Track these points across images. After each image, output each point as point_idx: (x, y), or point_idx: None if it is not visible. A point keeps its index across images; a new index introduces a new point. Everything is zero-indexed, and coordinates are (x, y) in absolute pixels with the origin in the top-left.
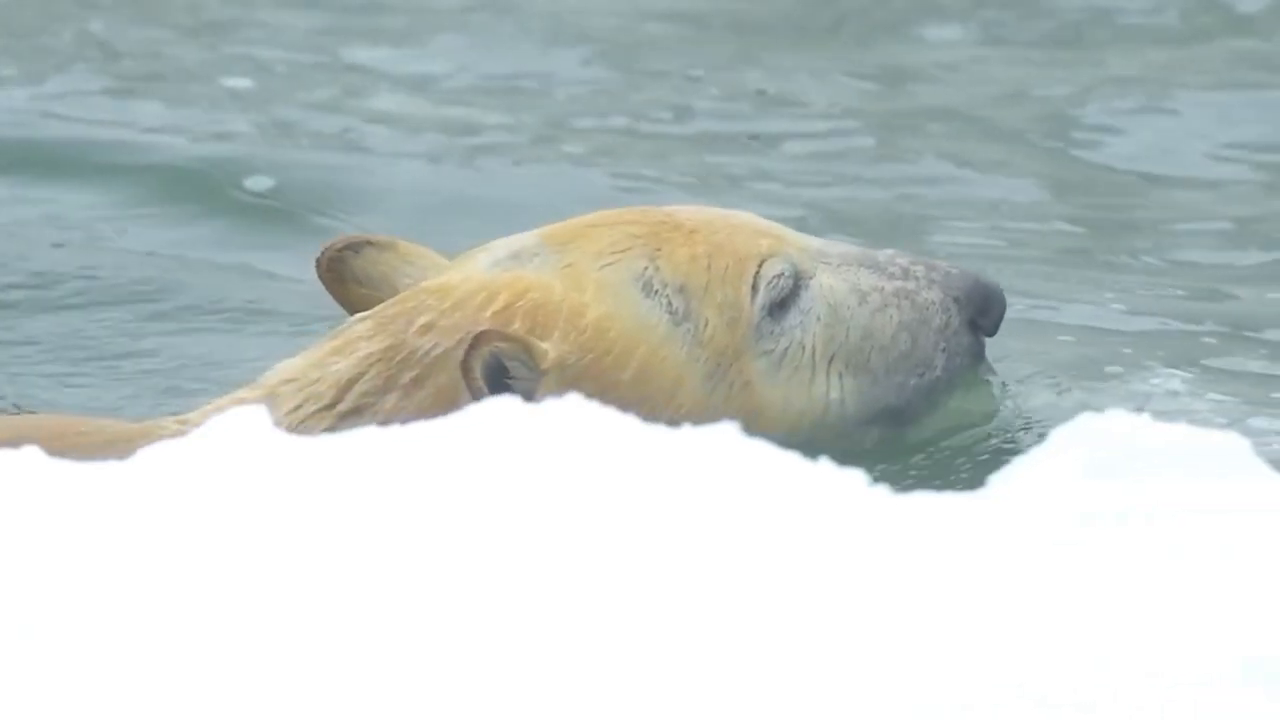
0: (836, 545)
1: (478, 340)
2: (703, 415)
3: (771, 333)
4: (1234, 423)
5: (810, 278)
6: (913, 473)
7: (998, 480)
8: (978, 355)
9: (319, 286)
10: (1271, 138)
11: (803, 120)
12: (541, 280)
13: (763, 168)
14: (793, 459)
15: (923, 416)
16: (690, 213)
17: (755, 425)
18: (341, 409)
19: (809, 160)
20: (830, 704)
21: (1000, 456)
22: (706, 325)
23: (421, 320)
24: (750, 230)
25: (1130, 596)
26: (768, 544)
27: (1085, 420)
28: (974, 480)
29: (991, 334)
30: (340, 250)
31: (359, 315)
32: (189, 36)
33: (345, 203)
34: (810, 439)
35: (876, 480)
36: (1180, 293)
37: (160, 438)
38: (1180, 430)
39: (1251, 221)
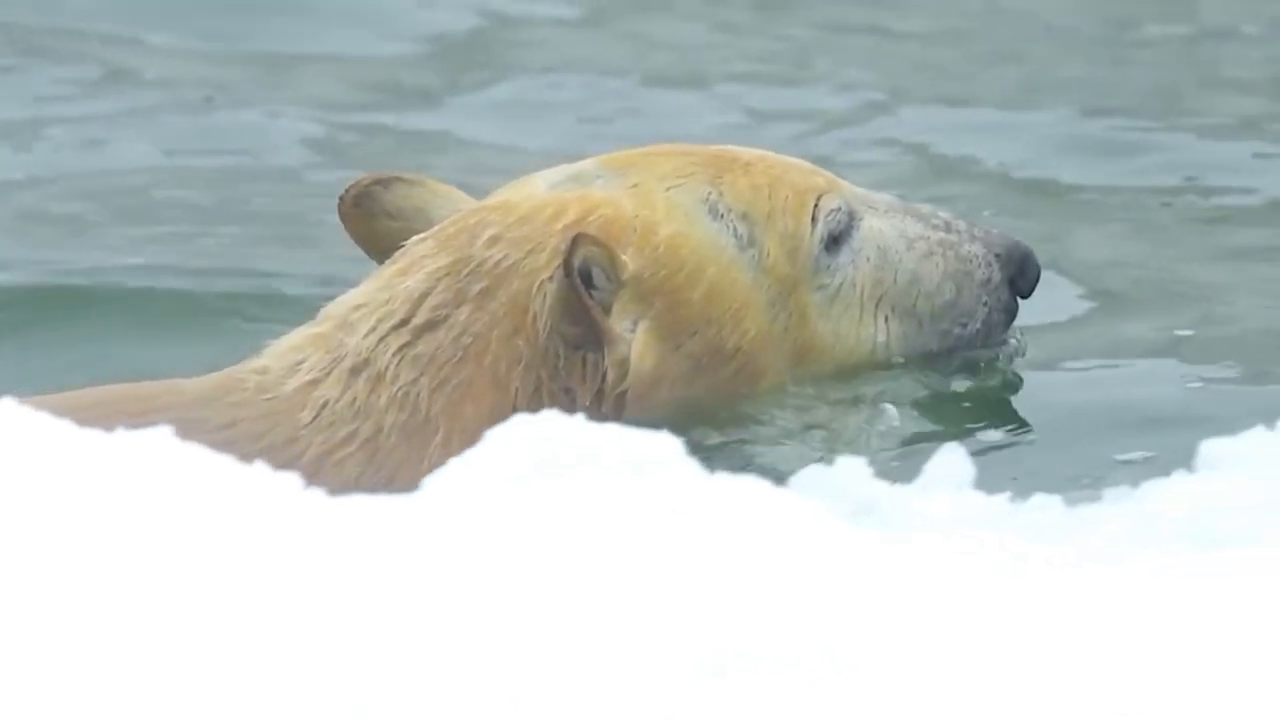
0: (251, 547)
1: (578, 240)
2: (765, 342)
3: (828, 267)
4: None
5: (860, 219)
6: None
7: (431, 481)
8: (1013, 314)
9: None
10: None
11: None
12: (610, 197)
13: None
14: (229, 464)
15: (958, 370)
16: (743, 150)
17: (806, 360)
18: (416, 323)
19: None
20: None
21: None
22: (769, 253)
23: (487, 234)
24: (803, 168)
25: (568, 593)
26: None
27: (519, 422)
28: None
29: (1027, 295)
30: (369, 185)
31: (417, 237)
32: None
33: None
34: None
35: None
36: None
37: (243, 390)
38: (612, 431)
39: None
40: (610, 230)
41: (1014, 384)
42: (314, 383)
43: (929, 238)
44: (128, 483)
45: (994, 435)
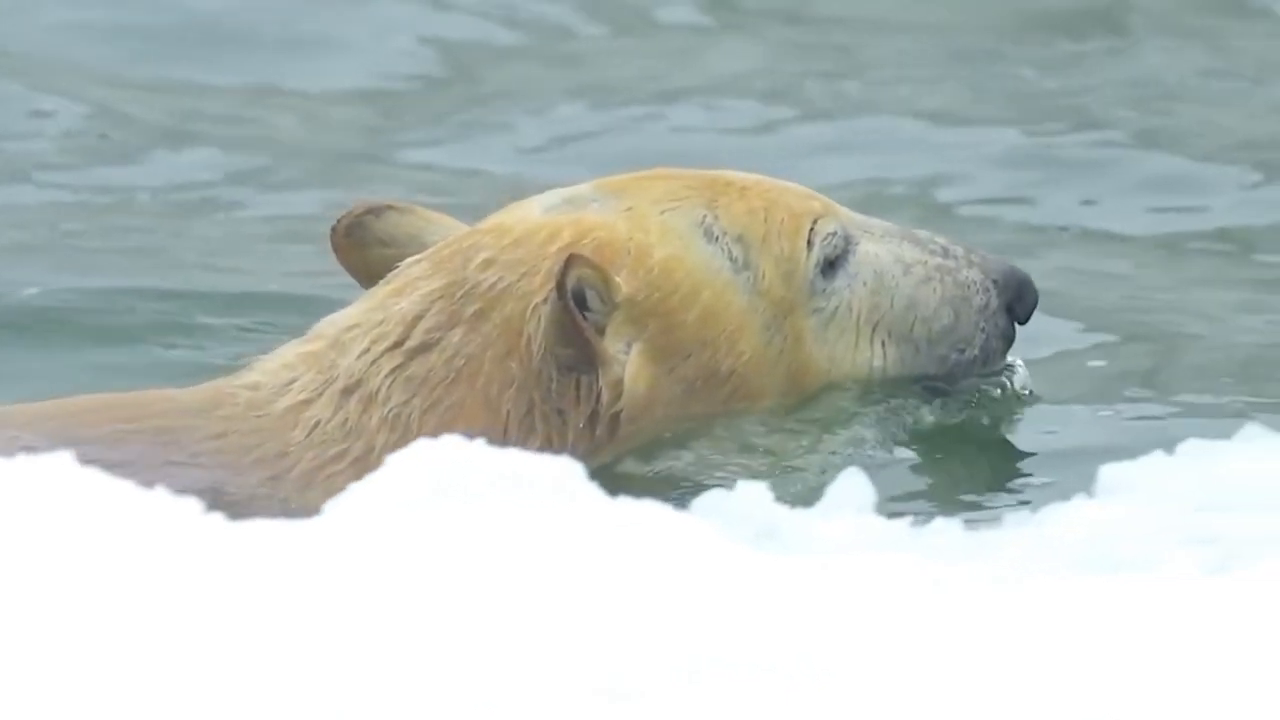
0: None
1: (571, 262)
2: (760, 366)
3: (823, 291)
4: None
5: (857, 244)
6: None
7: (333, 505)
8: (1010, 340)
9: None
10: None
11: None
12: (605, 220)
13: None
14: (126, 488)
15: (955, 396)
16: (738, 174)
17: (801, 383)
18: (410, 345)
19: None
20: None
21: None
22: (764, 276)
23: (481, 257)
24: (799, 192)
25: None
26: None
27: (421, 446)
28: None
29: (1024, 321)
30: (361, 215)
31: (411, 259)
32: None
33: None
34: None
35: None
36: None
37: (234, 405)
38: (514, 456)
39: None
40: (604, 253)
41: (1001, 411)
42: (306, 402)
43: (926, 263)
44: (20, 507)
45: (904, 454)
